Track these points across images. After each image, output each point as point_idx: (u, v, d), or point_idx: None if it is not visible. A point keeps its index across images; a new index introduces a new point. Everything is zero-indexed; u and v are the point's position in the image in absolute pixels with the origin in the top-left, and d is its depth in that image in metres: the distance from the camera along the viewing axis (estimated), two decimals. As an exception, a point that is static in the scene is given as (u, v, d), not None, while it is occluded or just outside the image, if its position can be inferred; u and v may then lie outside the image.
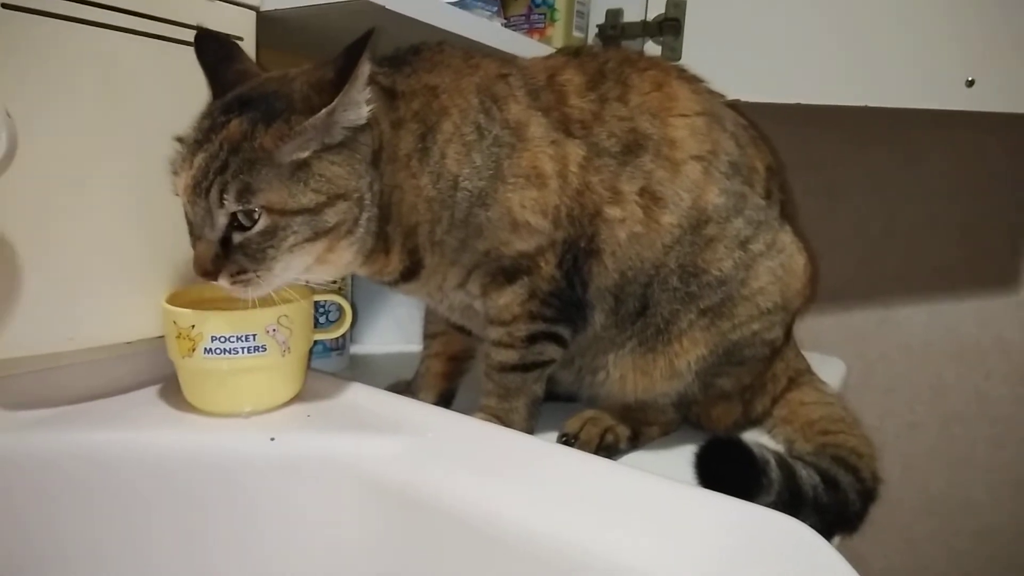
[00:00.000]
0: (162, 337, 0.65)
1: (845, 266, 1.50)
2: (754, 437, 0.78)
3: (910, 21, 1.07)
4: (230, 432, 0.62)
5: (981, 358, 1.42)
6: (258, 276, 0.58)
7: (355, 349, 1.03)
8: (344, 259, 0.63)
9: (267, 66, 0.72)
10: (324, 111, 0.57)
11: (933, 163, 1.42)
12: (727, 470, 0.64)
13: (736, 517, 0.50)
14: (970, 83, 1.06)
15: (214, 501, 0.59)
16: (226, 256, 0.57)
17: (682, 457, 0.68)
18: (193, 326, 0.61)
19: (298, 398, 0.69)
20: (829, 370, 0.97)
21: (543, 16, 1.18)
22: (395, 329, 1.07)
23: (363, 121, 0.60)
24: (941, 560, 1.49)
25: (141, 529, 0.59)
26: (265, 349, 0.63)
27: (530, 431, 0.73)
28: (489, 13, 1.02)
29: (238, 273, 0.58)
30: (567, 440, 0.73)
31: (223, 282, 0.58)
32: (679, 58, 1.15)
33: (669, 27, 1.16)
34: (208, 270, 0.57)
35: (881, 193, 1.47)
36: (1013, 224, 1.37)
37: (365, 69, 0.58)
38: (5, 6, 0.55)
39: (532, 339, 0.71)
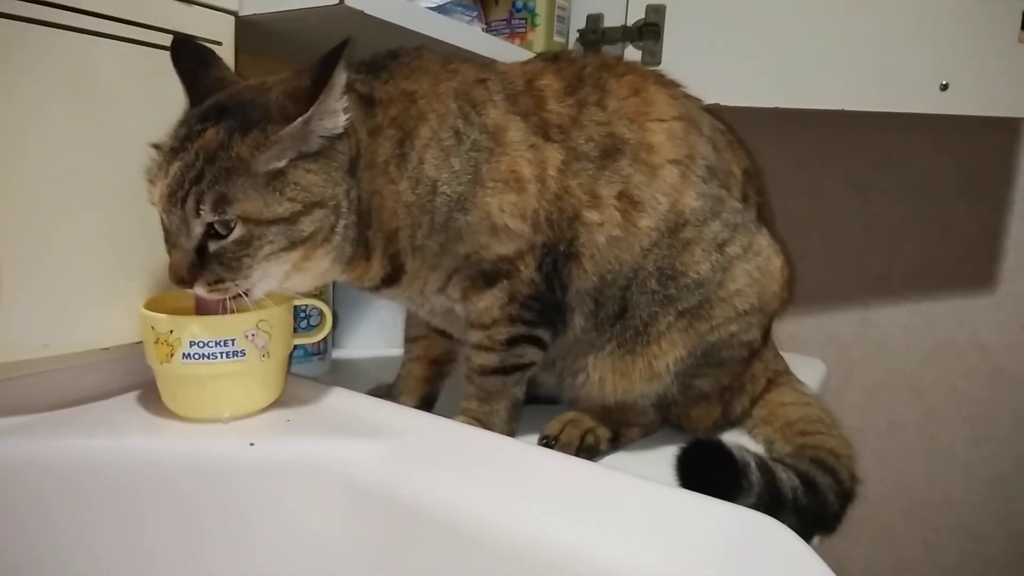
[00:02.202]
0: (140, 343, 0.64)
1: (825, 268, 1.52)
2: (734, 438, 0.78)
3: (886, 26, 1.09)
4: (209, 437, 0.62)
5: (958, 357, 1.44)
6: (235, 284, 0.58)
7: (337, 354, 1.02)
8: (321, 267, 0.63)
9: (245, 72, 0.72)
10: (300, 120, 0.57)
11: (910, 165, 1.44)
12: (708, 472, 0.65)
13: (716, 518, 0.50)
14: (944, 87, 1.08)
15: (194, 507, 0.59)
16: (202, 265, 0.57)
17: (663, 458, 0.69)
18: (171, 331, 0.61)
19: (278, 403, 0.68)
20: (809, 371, 0.98)
21: (524, 21, 1.19)
22: (377, 333, 1.07)
23: (340, 130, 0.60)
24: (922, 557, 1.51)
25: (121, 535, 0.58)
26: (244, 354, 0.62)
27: (511, 433, 0.73)
28: (469, 18, 1.03)
29: (215, 282, 0.58)
30: (548, 442, 0.73)
31: (200, 290, 0.58)
32: (659, 63, 1.16)
33: (649, 32, 1.17)
34: (184, 278, 0.57)
35: (860, 195, 1.49)
36: (989, 225, 1.39)
37: (341, 78, 0.58)
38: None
39: (512, 342, 0.72)
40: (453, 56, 0.72)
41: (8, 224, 0.58)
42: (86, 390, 0.67)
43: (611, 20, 1.23)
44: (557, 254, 0.70)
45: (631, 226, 0.70)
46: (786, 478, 0.66)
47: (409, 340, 0.86)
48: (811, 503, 0.66)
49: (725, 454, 0.66)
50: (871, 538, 1.53)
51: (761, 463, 0.66)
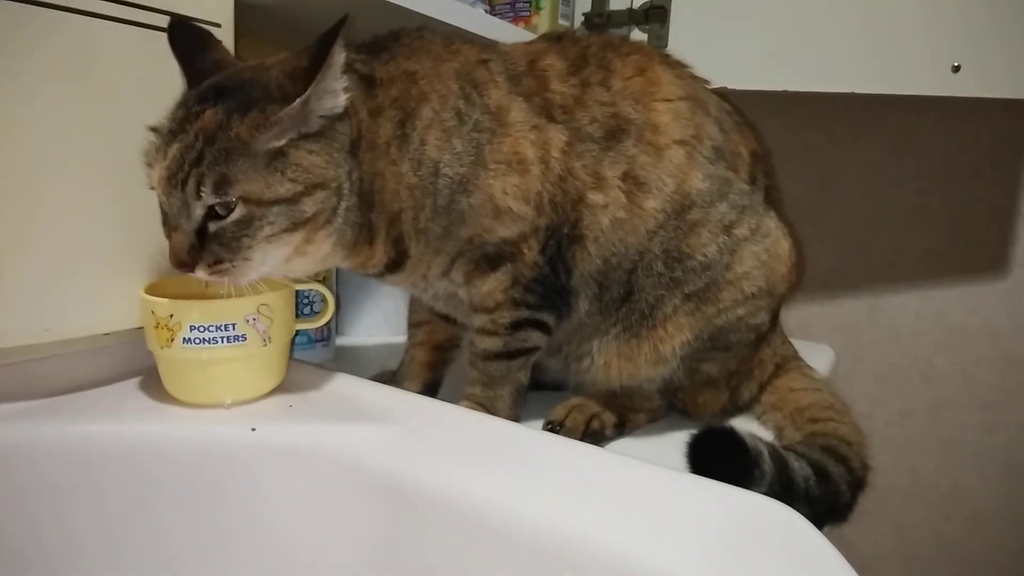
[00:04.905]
0: (141, 328, 0.64)
1: (834, 254, 1.50)
2: (744, 424, 0.77)
3: (896, 7, 1.07)
4: (211, 423, 0.61)
5: (970, 344, 1.42)
6: (234, 266, 0.57)
7: (341, 340, 1.02)
8: (323, 251, 0.62)
9: (245, 55, 0.71)
10: (299, 100, 0.56)
11: (921, 149, 1.42)
12: (720, 460, 0.63)
13: (727, 504, 0.50)
14: (956, 68, 1.06)
15: (195, 492, 0.59)
16: (202, 246, 0.56)
17: (671, 445, 0.68)
18: (171, 315, 0.60)
19: (280, 388, 0.68)
20: (818, 358, 0.97)
21: (528, 4, 1.18)
22: (381, 320, 1.07)
23: (340, 110, 0.60)
24: (931, 545, 1.50)
25: (120, 521, 0.58)
26: (245, 339, 0.62)
27: (515, 419, 0.72)
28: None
29: (215, 263, 0.57)
30: (553, 427, 0.73)
31: (200, 273, 0.57)
32: (665, 46, 1.15)
33: (655, 14, 1.16)
34: (184, 261, 0.56)
35: (869, 180, 1.47)
36: (1001, 210, 1.37)
37: (339, 57, 0.58)
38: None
39: (516, 326, 0.71)
40: (455, 37, 0.71)
41: (7, 208, 0.58)
42: (87, 375, 0.67)
43: (617, 3, 1.21)
44: (561, 236, 0.69)
45: (636, 208, 0.69)
46: (798, 467, 0.65)
47: (412, 326, 0.85)
48: (823, 493, 0.65)
49: (737, 442, 0.64)
50: (880, 525, 1.52)
51: (773, 452, 0.65)
